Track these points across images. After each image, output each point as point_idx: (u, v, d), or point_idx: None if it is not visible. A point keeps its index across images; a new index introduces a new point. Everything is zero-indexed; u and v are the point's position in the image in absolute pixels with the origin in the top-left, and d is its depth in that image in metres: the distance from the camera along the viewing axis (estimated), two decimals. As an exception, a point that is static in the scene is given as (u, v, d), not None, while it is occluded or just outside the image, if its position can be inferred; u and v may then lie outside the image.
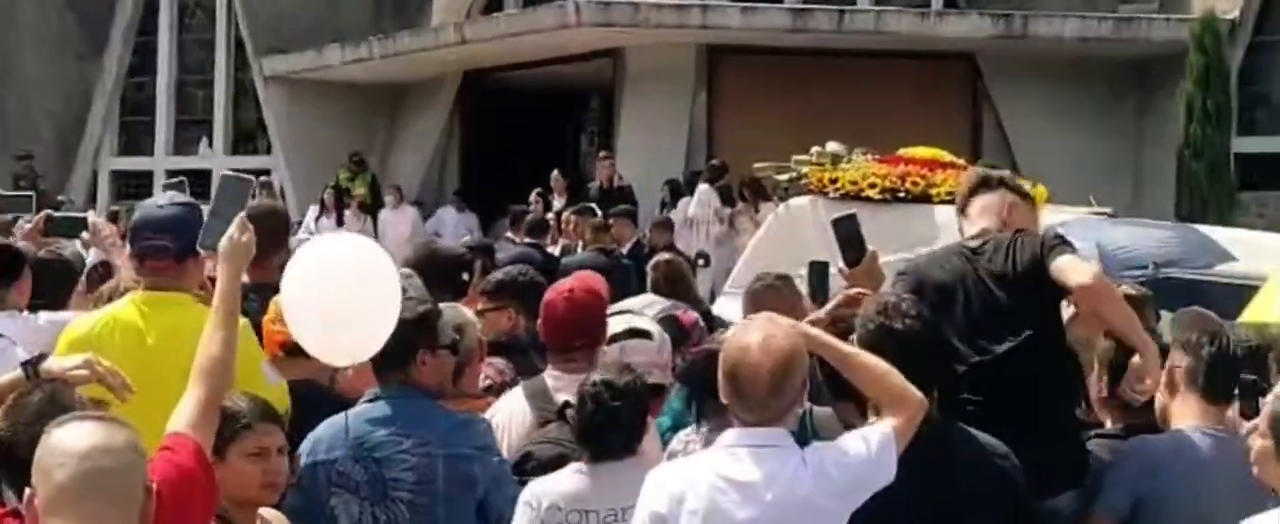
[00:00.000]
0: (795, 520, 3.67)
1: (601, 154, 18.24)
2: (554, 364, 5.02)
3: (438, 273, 5.92)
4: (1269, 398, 3.92)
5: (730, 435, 3.78)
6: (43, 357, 4.00)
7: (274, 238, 5.27)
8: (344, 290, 4.20)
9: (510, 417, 4.86)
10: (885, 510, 3.75)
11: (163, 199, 4.99)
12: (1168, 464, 4.37)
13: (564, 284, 5.23)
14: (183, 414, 3.57)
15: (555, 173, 18.17)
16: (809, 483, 3.67)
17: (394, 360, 4.52)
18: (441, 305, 5.16)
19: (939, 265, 4.73)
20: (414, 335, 4.53)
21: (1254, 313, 5.84)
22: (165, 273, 4.67)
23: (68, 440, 2.75)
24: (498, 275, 6.43)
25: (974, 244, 4.74)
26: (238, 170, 4.70)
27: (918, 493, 3.80)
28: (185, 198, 5.02)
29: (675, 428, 4.84)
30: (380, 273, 4.31)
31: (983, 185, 4.99)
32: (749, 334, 3.78)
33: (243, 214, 4.05)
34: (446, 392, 4.74)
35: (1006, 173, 5.31)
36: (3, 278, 5.77)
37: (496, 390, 5.24)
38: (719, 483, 3.69)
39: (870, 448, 3.74)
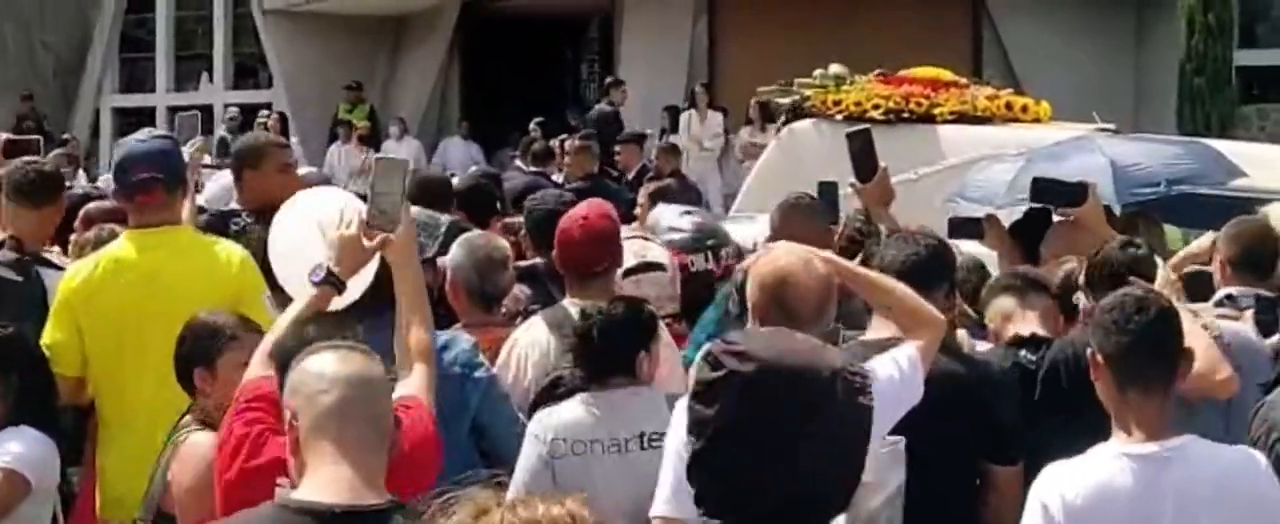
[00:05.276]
0: None
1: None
2: (572, 291, 5.01)
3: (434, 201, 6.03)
4: None
5: None
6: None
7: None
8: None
9: (531, 345, 4.85)
10: None
11: (143, 134, 5.00)
12: None
13: (578, 211, 5.22)
14: (415, 384, 3.60)
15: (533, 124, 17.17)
16: None
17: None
18: (470, 235, 5.27)
19: None
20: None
21: None
22: (156, 206, 4.70)
23: (329, 366, 2.87)
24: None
25: None
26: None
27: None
28: (163, 131, 5.02)
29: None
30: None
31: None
32: (789, 258, 3.81)
33: (405, 204, 3.85)
34: (474, 321, 4.84)
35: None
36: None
37: (512, 318, 5.27)
38: None
39: (902, 370, 3.76)
